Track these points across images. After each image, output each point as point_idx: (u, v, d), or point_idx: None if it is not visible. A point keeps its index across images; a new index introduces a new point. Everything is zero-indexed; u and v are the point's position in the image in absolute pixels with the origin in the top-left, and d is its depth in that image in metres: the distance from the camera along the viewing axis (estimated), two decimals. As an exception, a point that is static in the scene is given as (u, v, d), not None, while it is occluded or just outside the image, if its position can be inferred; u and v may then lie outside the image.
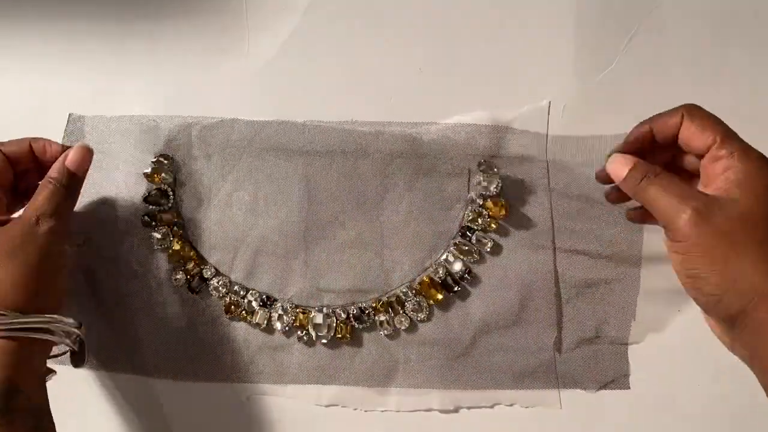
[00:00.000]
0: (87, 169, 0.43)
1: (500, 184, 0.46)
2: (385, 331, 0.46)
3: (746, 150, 0.36)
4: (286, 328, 0.46)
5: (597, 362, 0.47)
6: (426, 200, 0.47)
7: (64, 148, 0.43)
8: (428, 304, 0.46)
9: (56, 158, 0.43)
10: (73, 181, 0.43)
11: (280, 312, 0.47)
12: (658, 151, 0.40)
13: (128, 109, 0.48)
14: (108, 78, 0.47)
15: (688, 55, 0.45)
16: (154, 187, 0.47)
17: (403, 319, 0.46)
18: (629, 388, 0.47)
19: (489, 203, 0.46)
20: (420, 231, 0.47)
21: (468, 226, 0.46)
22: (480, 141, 0.46)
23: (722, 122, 0.37)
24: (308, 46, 0.46)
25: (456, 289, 0.46)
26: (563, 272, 0.46)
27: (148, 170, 0.47)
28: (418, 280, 0.47)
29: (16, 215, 0.43)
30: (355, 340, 0.47)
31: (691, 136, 0.37)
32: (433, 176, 0.46)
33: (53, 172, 0.42)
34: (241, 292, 0.47)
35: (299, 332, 0.47)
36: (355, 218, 0.47)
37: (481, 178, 0.46)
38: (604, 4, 0.45)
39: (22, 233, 0.39)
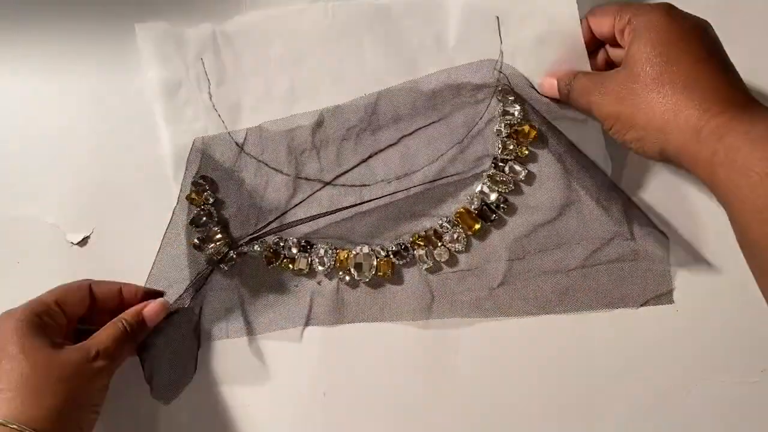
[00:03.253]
0: (155, 324, 0.44)
1: (522, 110, 0.47)
2: (426, 265, 0.47)
3: (639, 8, 0.40)
4: (328, 270, 0.47)
5: (638, 279, 0.47)
6: (453, 138, 0.48)
7: (147, 296, 0.45)
8: (465, 234, 0.47)
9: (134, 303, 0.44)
10: (141, 329, 0.43)
11: (321, 254, 0.47)
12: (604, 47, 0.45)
13: (127, 109, 0.49)
14: (107, 77, 0.49)
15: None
16: (197, 209, 0.47)
17: (442, 252, 0.47)
18: (673, 302, 0.47)
19: (516, 130, 0.47)
20: (451, 171, 0.48)
21: (499, 156, 0.47)
22: (494, 73, 0.47)
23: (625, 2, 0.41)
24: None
25: (493, 218, 0.47)
26: (598, 194, 0.47)
27: (190, 193, 0.47)
28: (454, 210, 0.48)
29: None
30: (397, 276, 0.48)
31: (602, 22, 0.42)
32: (455, 115, 0.48)
33: (128, 315, 0.43)
34: (281, 243, 0.48)
35: (341, 273, 0.47)
36: (387, 168, 0.48)
37: (503, 108, 0.47)
38: (603, 4, 0.44)
39: (77, 363, 0.39)
